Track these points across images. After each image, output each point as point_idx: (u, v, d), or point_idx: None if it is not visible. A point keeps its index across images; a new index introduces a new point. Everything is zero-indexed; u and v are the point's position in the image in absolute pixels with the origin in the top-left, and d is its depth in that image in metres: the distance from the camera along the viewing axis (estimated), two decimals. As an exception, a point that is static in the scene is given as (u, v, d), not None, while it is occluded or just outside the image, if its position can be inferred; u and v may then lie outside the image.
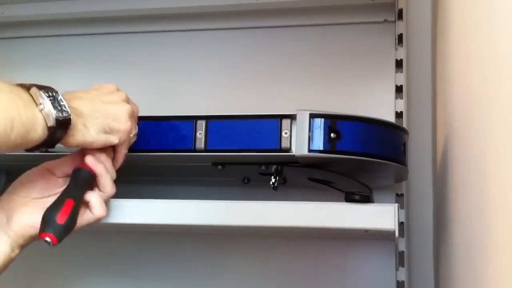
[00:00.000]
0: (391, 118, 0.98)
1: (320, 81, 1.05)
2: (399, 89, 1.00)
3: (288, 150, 0.75)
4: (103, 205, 0.70)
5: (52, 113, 0.60)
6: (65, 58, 1.17)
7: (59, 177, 0.71)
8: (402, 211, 0.96)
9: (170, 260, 1.09)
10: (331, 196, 0.81)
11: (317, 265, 1.02)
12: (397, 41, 1.02)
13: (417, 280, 1.03)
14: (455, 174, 0.71)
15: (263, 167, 0.80)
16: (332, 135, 0.74)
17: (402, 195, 0.98)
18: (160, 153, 0.80)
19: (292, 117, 0.75)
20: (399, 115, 0.99)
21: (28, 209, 0.68)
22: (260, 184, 0.87)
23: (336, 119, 0.75)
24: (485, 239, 0.49)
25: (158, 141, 0.80)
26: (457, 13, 0.72)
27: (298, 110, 0.75)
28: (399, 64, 1.02)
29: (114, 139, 0.69)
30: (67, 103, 0.62)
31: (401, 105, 0.99)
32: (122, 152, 0.73)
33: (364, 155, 0.75)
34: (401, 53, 1.01)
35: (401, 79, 1.00)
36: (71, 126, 0.63)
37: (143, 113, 0.76)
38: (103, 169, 0.70)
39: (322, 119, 0.74)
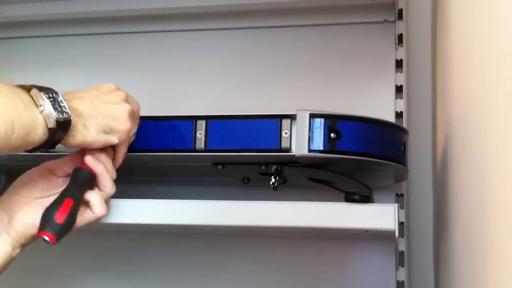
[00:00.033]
0: (391, 118, 0.98)
1: (320, 81, 1.05)
2: (399, 89, 1.00)
3: (288, 150, 0.75)
4: (104, 204, 0.70)
5: (53, 114, 0.60)
6: (65, 58, 1.17)
7: (59, 177, 0.71)
8: (402, 211, 0.96)
9: (170, 260, 1.08)
10: (331, 196, 0.81)
11: (317, 265, 1.02)
12: (397, 41, 1.01)
13: (417, 280, 1.03)
14: (455, 174, 0.71)
15: (263, 167, 0.80)
16: (332, 135, 0.74)
17: (402, 195, 0.98)
18: (160, 153, 0.80)
19: (292, 117, 0.75)
20: (399, 115, 0.99)
21: (30, 208, 0.68)
22: (260, 184, 0.87)
23: (336, 119, 0.75)
24: (485, 239, 0.49)
25: (158, 141, 0.80)
26: (457, 13, 0.72)
27: (298, 110, 0.75)
28: (399, 64, 1.01)
29: (114, 139, 0.69)
30: (67, 104, 0.62)
31: (401, 105, 0.99)
32: (122, 152, 0.73)
33: (364, 155, 0.75)
34: (401, 53, 1.01)
35: (401, 79, 1.00)
36: (71, 126, 0.63)
37: (143, 113, 0.76)
38: (103, 169, 0.70)
39: (322, 119, 0.74)
